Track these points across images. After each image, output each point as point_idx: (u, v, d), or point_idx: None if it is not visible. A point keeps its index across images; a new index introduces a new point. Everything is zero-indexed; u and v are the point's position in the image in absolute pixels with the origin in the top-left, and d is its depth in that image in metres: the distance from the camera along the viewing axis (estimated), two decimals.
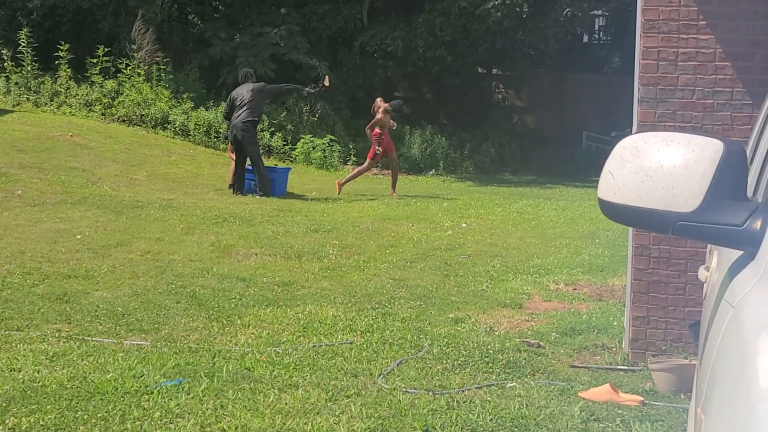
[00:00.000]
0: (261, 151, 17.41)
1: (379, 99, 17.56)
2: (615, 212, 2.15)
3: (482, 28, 25.70)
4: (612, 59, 32.98)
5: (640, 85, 6.43)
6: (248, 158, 15.66)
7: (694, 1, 6.25)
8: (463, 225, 13.25)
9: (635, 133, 6.07)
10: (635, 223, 2.16)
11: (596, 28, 33.64)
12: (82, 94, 21.99)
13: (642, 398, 5.72)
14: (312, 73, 25.41)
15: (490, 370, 6.33)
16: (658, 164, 2.08)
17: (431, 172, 23.79)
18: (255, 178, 15.73)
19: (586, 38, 33.68)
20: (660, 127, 6.37)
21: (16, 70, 22.18)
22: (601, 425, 5.23)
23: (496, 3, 24.78)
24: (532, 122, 30.34)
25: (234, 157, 16.02)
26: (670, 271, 6.47)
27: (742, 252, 2.09)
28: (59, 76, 22.35)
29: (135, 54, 22.95)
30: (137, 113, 21.53)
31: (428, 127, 25.53)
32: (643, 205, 2.08)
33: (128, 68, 22.36)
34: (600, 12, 30.51)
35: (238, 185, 15.76)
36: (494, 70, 30.38)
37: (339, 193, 16.77)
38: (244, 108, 15.69)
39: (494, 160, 25.80)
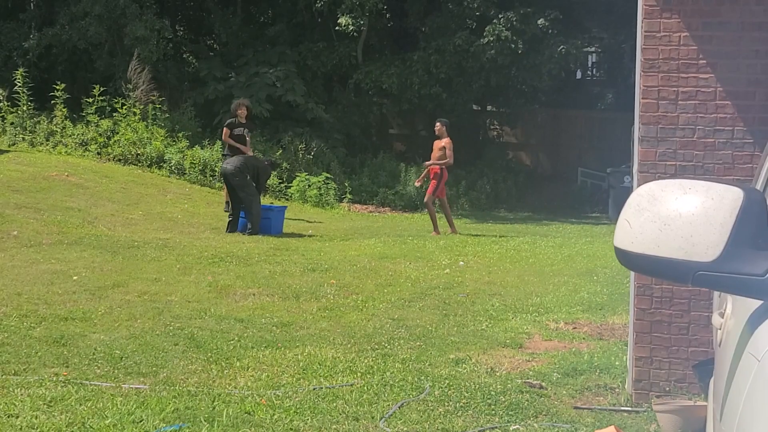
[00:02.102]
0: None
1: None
2: (632, 261, 2.11)
3: (477, 65, 25.81)
4: (605, 95, 33.11)
5: (640, 124, 6.42)
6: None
7: (693, 41, 6.25)
8: (461, 263, 13.20)
9: (635, 172, 6.02)
10: (653, 273, 2.12)
11: (589, 64, 33.81)
12: (78, 134, 22.00)
13: None
14: (308, 114, 25.47)
15: (493, 412, 6.26)
16: (676, 212, 2.04)
17: (426, 210, 23.73)
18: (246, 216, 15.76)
19: (579, 75, 33.83)
20: (661, 166, 6.35)
21: (11, 110, 22.23)
22: None
23: (491, 40, 24.90)
24: (526, 159, 30.38)
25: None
26: (672, 311, 6.43)
27: (761, 301, 2.05)
28: (55, 116, 22.39)
29: (131, 93, 23.00)
30: (133, 152, 21.53)
31: (423, 164, 25.52)
32: (661, 254, 2.04)
33: (124, 107, 22.39)
34: (593, 49, 30.67)
35: (232, 224, 15.73)
36: (489, 107, 30.46)
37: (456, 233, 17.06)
38: (238, 155, 15.89)
39: (490, 197, 25.79)
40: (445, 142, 17.05)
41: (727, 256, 1.97)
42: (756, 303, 2.12)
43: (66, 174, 18.58)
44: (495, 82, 26.49)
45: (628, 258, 2.11)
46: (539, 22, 25.15)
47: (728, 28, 6.19)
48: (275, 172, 22.19)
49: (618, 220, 2.15)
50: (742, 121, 6.21)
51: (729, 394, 2.14)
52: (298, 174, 22.76)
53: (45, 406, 6.05)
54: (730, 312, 2.69)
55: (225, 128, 16.90)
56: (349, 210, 22.66)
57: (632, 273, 6.64)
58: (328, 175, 22.98)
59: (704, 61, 6.25)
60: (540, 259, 14.05)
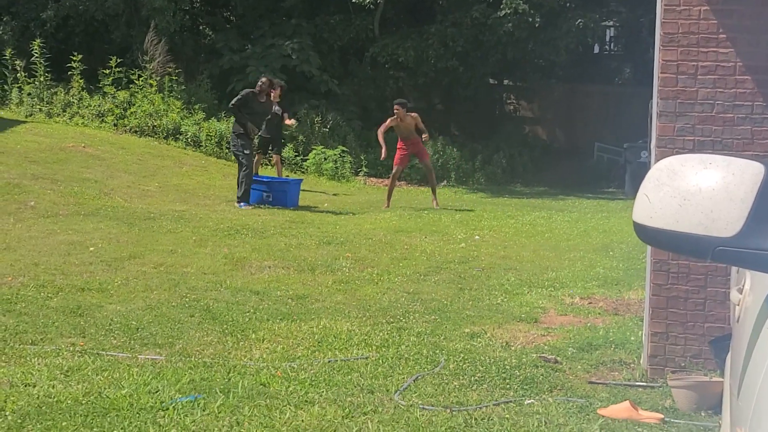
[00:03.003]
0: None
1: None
2: (651, 236, 2.09)
3: (494, 38, 25.67)
4: (623, 70, 32.91)
5: (659, 98, 6.37)
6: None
7: (713, 15, 6.20)
8: (476, 237, 13.19)
9: (653, 147, 5.98)
10: (672, 248, 2.11)
11: (607, 39, 33.58)
12: (95, 105, 22.03)
13: (662, 416, 5.66)
14: (322, 87, 25.41)
15: (508, 386, 6.27)
16: (696, 187, 2.02)
17: (443, 184, 23.70)
18: (264, 188, 15.90)
19: (597, 49, 33.61)
20: (679, 141, 6.32)
21: (29, 80, 22.25)
22: None
23: (508, 13, 24.74)
24: (543, 133, 30.27)
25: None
26: (689, 287, 6.40)
27: None
28: (72, 87, 22.41)
29: (147, 65, 22.99)
30: (149, 124, 21.55)
31: (439, 138, 25.45)
32: (680, 229, 2.02)
33: (140, 79, 22.40)
34: (611, 23, 30.46)
35: (245, 195, 15.77)
36: (505, 81, 30.35)
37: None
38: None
39: (506, 172, 25.73)
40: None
41: (748, 231, 1.95)
42: None
43: (83, 145, 18.62)
44: (512, 56, 26.34)
45: (646, 233, 2.09)
46: None
47: (748, 2, 6.13)
48: (291, 145, 22.20)
49: (637, 194, 2.13)
50: (762, 97, 6.16)
51: (747, 370, 2.13)
52: (314, 147, 22.74)
53: (62, 375, 6.09)
54: (749, 288, 2.67)
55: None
56: (365, 183, 22.66)
57: (649, 248, 6.62)
58: (344, 149, 22.95)
59: (724, 36, 6.20)
60: (556, 233, 14.03)
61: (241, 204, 15.31)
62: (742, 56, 6.17)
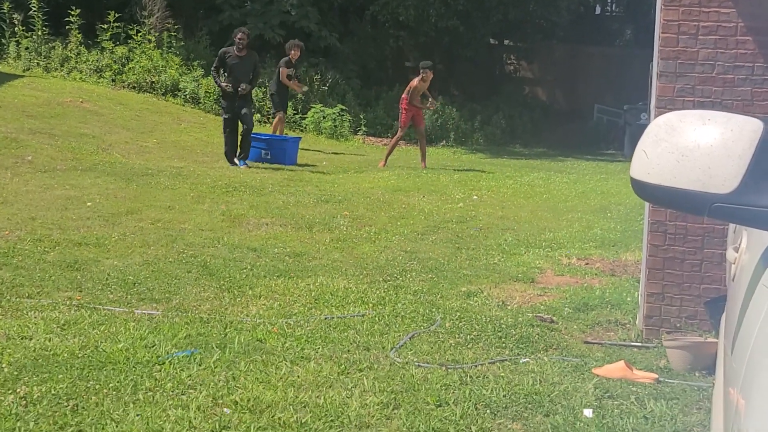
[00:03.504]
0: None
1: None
2: (648, 192, 2.08)
3: None
4: (624, 32, 32.77)
5: (659, 59, 6.34)
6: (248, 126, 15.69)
7: None
8: (474, 197, 13.19)
9: (652, 107, 5.95)
10: (669, 204, 2.09)
11: (608, 0, 33.41)
12: (93, 60, 21.92)
13: (656, 375, 5.68)
14: (321, 42, 25.23)
15: (503, 345, 6.29)
16: (695, 143, 2.01)
17: (442, 144, 23.68)
18: (263, 146, 15.90)
19: (598, 10, 33.44)
20: (678, 102, 6.29)
21: (26, 34, 22.12)
22: (615, 402, 5.19)
23: None
24: (543, 94, 30.18)
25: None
26: (686, 248, 6.40)
27: None
28: (70, 42, 22.29)
29: (146, 20, 22.84)
30: (147, 80, 21.46)
31: (439, 98, 25.35)
32: (678, 185, 2.00)
33: (139, 34, 22.27)
34: None
35: (244, 151, 15.74)
36: (506, 42, 30.19)
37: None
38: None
39: (505, 132, 25.67)
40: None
41: (745, 188, 1.93)
42: None
43: (80, 100, 18.56)
44: (513, 16, 26.21)
45: (644, 189, 2.08)
46: None
47: None
48: (290, 103, 22.12)
49: (635, 150, 2.11)
50: (763, 58, 6.13)
51: (741, 327, 2.13)
52: (313, 105, 22.66)
53: (58, 329, 6.11)
54: (745, 246, 2.67)
55: (283, 68, 17.56)
56: (364, 143, 22.61)
57: (646, 209, 6.62)
58: (343, 107, 22.87)
59: None
60: (554, 195, 14.03)
61: (240, 162, 15.30)
62: (743, 17, 6.13)
